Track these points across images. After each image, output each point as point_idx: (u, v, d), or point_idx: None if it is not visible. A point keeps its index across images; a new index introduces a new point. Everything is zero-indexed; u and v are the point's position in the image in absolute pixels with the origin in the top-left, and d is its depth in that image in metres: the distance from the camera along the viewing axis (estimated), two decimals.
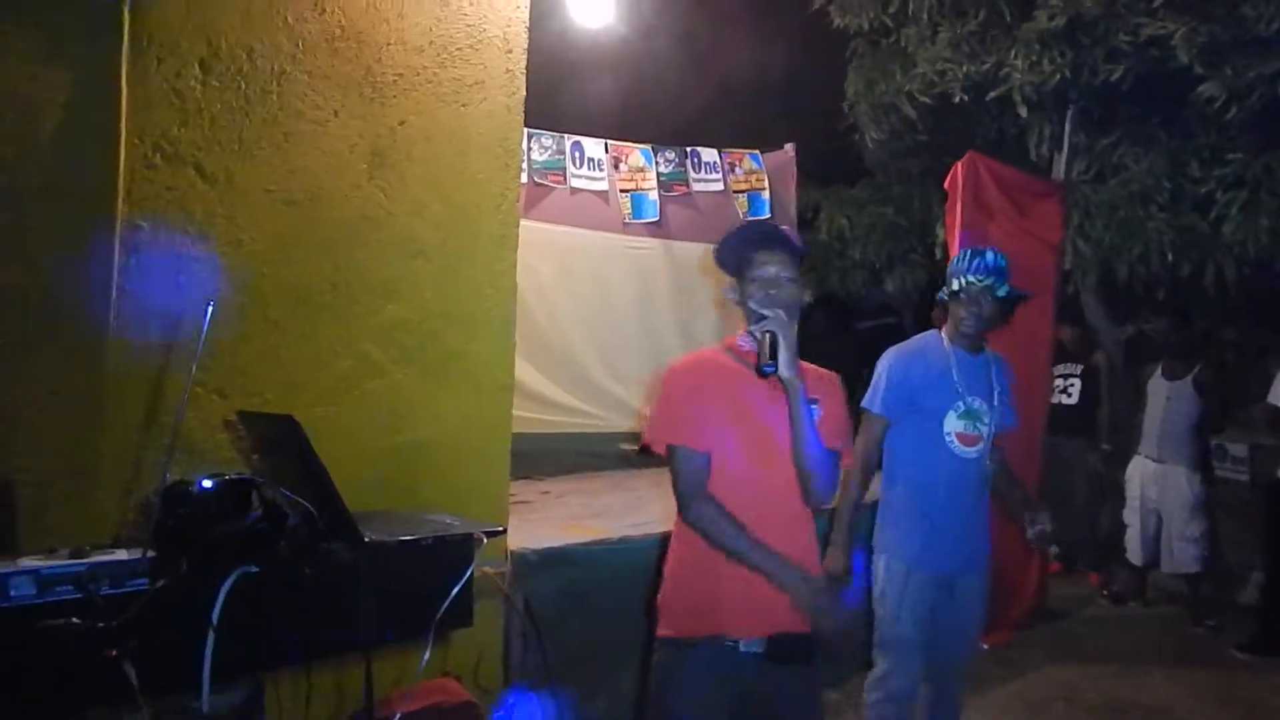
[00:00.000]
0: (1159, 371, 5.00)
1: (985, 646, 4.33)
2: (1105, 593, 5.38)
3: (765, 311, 1.81)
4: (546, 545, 3.09)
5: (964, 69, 5.41)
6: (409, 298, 2.72)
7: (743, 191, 5.48)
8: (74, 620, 1.21)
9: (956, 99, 5.55)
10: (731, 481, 1.86)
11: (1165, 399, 4.91)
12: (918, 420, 2.64)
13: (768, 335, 1.78)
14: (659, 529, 3.15)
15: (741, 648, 1.82)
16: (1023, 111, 5.32)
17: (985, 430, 2.63)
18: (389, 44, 2.68)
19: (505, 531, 1.68)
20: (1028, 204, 4.81)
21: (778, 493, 1.87)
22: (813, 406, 1.85)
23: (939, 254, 6.17)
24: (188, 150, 2.33)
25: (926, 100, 5.80)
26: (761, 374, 1.79)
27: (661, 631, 1.91)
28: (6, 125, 2.03)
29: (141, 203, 2.25)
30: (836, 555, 2.66)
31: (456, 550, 1.58)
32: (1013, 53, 5.15)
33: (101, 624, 1.23)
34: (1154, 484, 4.95)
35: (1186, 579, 4.95)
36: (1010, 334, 4.53)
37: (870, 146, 6.68)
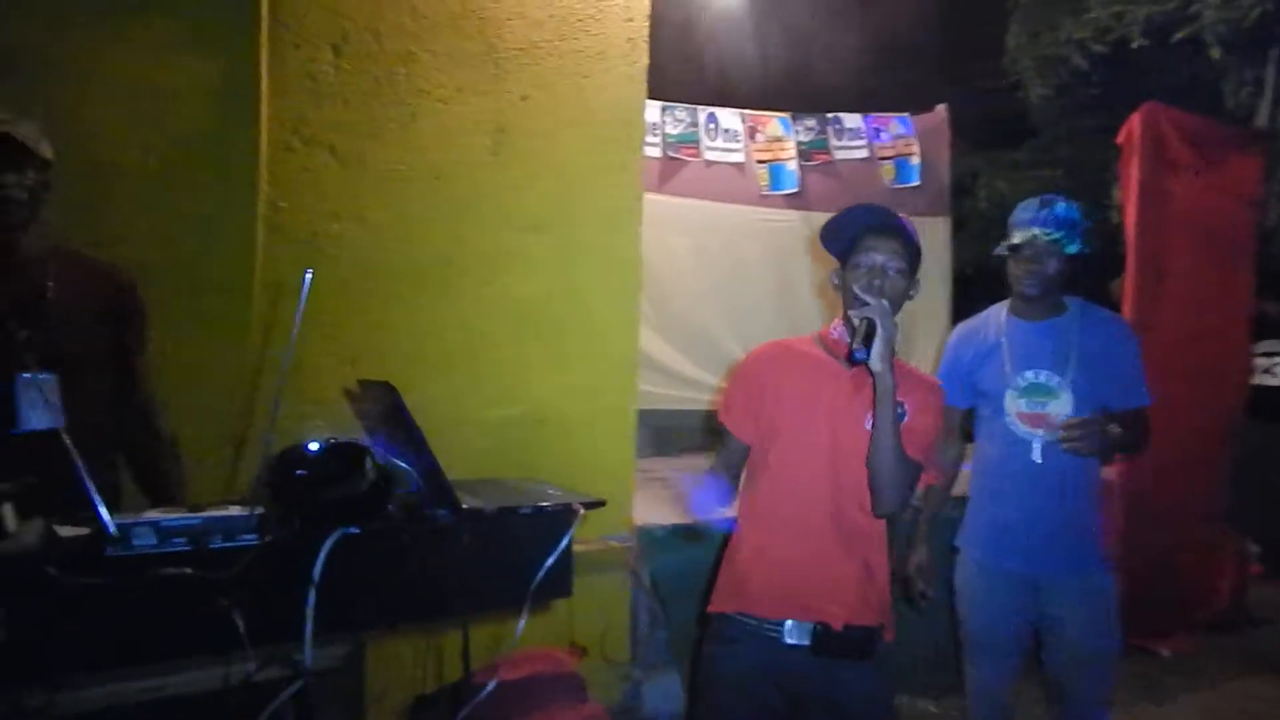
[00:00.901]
0: None
1: (1165, 654, 3.92)
2: None
3: (867, 298, 1.70)
4: (674, 521, 3.05)
5: (1145, 10, 4.85)
6: (527, 271, 2.74)
7: (889, 158, 5.19)
8: (188, 570, 1.27)
9: (1135, 44, 4.98)
10: (782, 474, 1.80)
11: None
12: (983, 403, 2.37)
13: (865, 321, 1.67)
14: None
15: (785, 639, 1.73)
16: (1215, 54, 4.70)
17: (1060, 408, 2.24)
18: (510, 19, 2.69)
19: (605, 503, 1.63)
20: (1220, 157, 4.25)
21: (836, 493, 1.77)
22: (900, 410, 1.73)
23: (1115, 218, 5.60)
24: (322, 132, 2.44)
25: (1100, 48, 5.26)
26: (851, 360, 1.68)
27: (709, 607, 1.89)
28: (155, 112, 2.19)
29: (280, 183, 2.38)
30: (919, 551, 2.43)
31: (554, 520, 1.56)
32: None
33: (213, 575, 1.29)
34: None
35: None
36: (1197, 304, 4.11)
37: (1035, 104, 6.15)
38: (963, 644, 2.43)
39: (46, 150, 1.79)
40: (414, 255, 2.55)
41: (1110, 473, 3.92)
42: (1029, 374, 2.27)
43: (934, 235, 5.22)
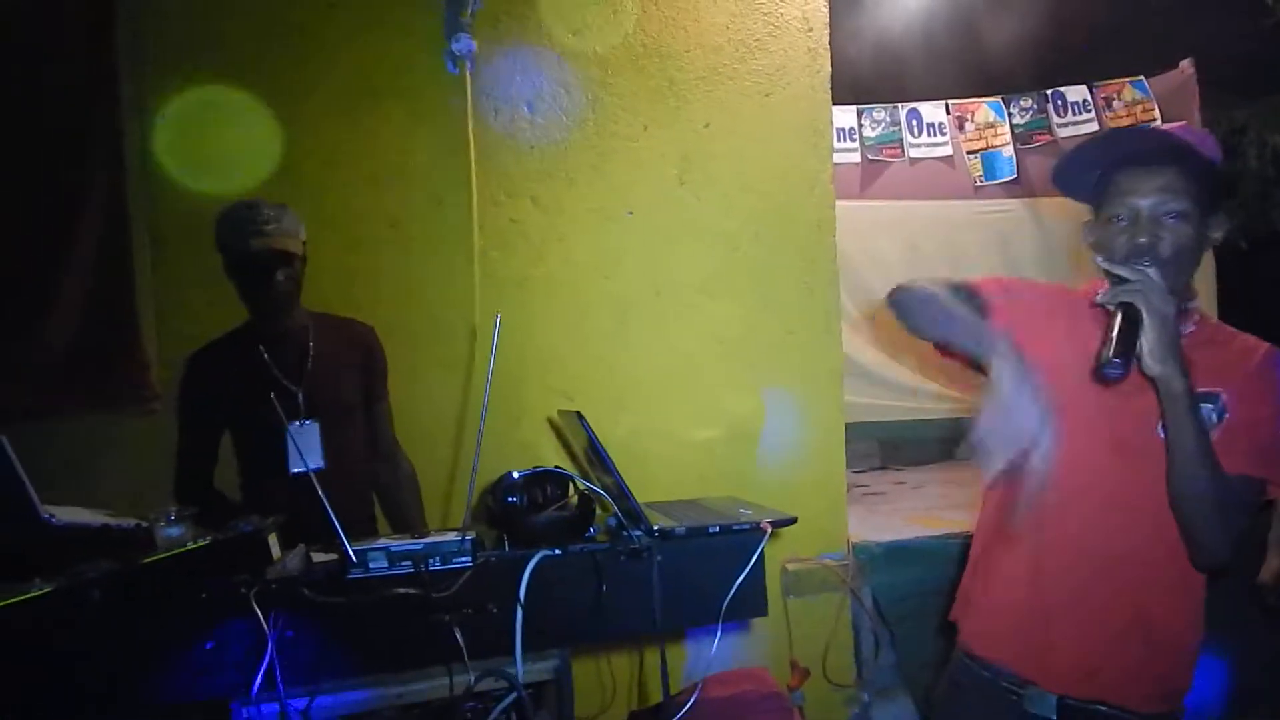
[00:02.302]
0: None
1: None
2: None
3: (1122, 271, 1.23)
4: (891, 538, 2.93)
5: None
6: (726, 294, 2.78)
7: (1125, 126, 4.66)
8: (412, 590, 1.43)
9: None
10: (1048, 478, 1.29)
11: None
12: None
13: (1120, 312, 1.20)
14: None
15: (1027, 706, 1.39)
16: None
17: None
18: (688, 50, 2.77)
19: (795, 520, 1.62)
20: None
21: (1123, 535, 1.31)
22: (1210, 406, 1.27)
23: None
24: (523, 184, 2.65)
25: None
26: (1101, 376, 1.22)
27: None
28: (389, 183, 2.49)
29: (491, 234, 2.61)
30: (1273, 560, 2.09)
31: (744, 539, 1.57)
32: None
33: (434, 594, 1.44)
34: None
35: None
36: None
37: None
38: None
39: (303, 237, 2.11)
40: (617, 289, 2.68)
41: None
42: None
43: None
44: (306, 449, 2.00)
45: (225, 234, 2.01)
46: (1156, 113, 4.68)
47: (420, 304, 2.54)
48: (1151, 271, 1.23)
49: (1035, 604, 1.38)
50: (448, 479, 2.40)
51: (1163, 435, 1.25)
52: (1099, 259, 1.31)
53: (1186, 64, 4.79)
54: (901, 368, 4.69)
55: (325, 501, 1.45)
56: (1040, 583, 1.38)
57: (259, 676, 1.36)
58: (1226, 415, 1.27)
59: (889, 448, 4.78)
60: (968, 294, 1.44)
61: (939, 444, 4.61)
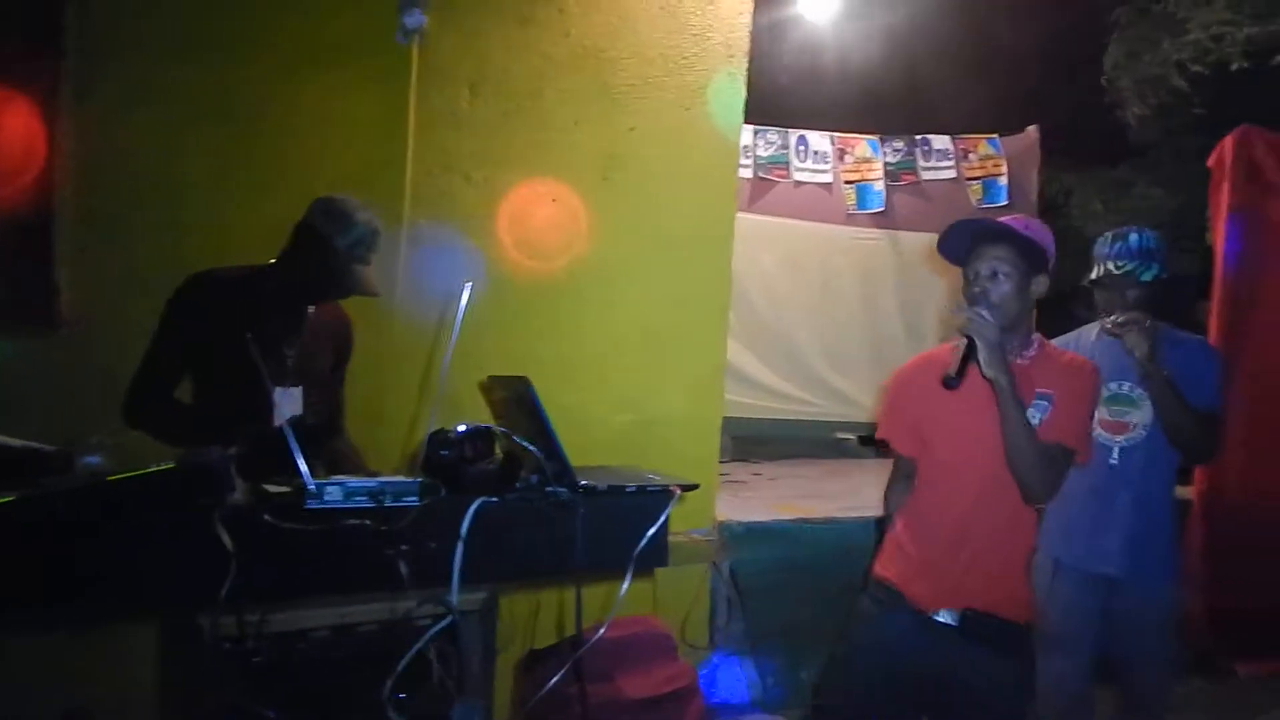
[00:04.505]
0: None
1: (1242, 675, 3.92)
2: None
3: (965, 314, 1.76)
4: (753, 519, 3.29)
5: (1244, 31, 4.82)
6: (641, 286, 3.03)
7: (977, 178, 5.30)
8: (367, 522, 1.60)
9: (1234, 66, 4.95)
10: (935, 481, 1.91)
11: None
12: None
13: (964, 340, 1.75)
14: (872, 513, 3.21)
15: (936, 619, 1.84)
16: None
17: (1140, 417, 2.40)
18: (625, 58, 3.00)
19: (699, 486, 1.89)
20: None
21: (985, 494, 1.84)
22: (1044, 402, 1.81)
23: (1209, 239, 5.53)
24: (458, 161, 2.79)
25: (1200, 69, 5.23)
26: (945, 384, 1.76)
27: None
28: (324, 147, 2.57)
29: (423, 206, 2.74)
30: None
31: (655, 499, 1.83)
32: None
33: (385, 527, 1.61)
34: None
35: None
36: None
37: (1133, 124, 6.11)
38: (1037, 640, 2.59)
39: None
40: (540, 271, 2.87)
41: (1190, 492, 3.97)
42: (1113, 385, 2.43)
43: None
44: (289, 412, 2.08)
45: (342, 232, 2.07)
46: (1005, 168, 5.33)
47: None
48: (985, 313, 1.75)
49: (943, 548, 1.86)
50: (363, 430, 2.52)
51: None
52: (954, 307, 1.83)
53: (1033, 129, 5.48)
54: (763, 369, 5.11)
55: (293, 442, 1.59)
56: (944, 533, 1.87)
57: (224, 591, 1.48)
58: (1054, 407, 1.81)
59: (742, 442, 5.17)
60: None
61: (792, 442, 5.06)
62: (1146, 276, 2.40)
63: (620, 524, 1.83)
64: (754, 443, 5.02)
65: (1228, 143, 4.04)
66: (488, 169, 2.81)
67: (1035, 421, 1.78)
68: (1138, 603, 2.40)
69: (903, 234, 5.23)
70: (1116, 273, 2.41)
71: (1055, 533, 2.47)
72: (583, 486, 1.81)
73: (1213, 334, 4.00)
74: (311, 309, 2.21)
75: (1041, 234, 1.87)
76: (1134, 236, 2.45)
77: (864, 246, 5.21)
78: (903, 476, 2.08)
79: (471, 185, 2.79)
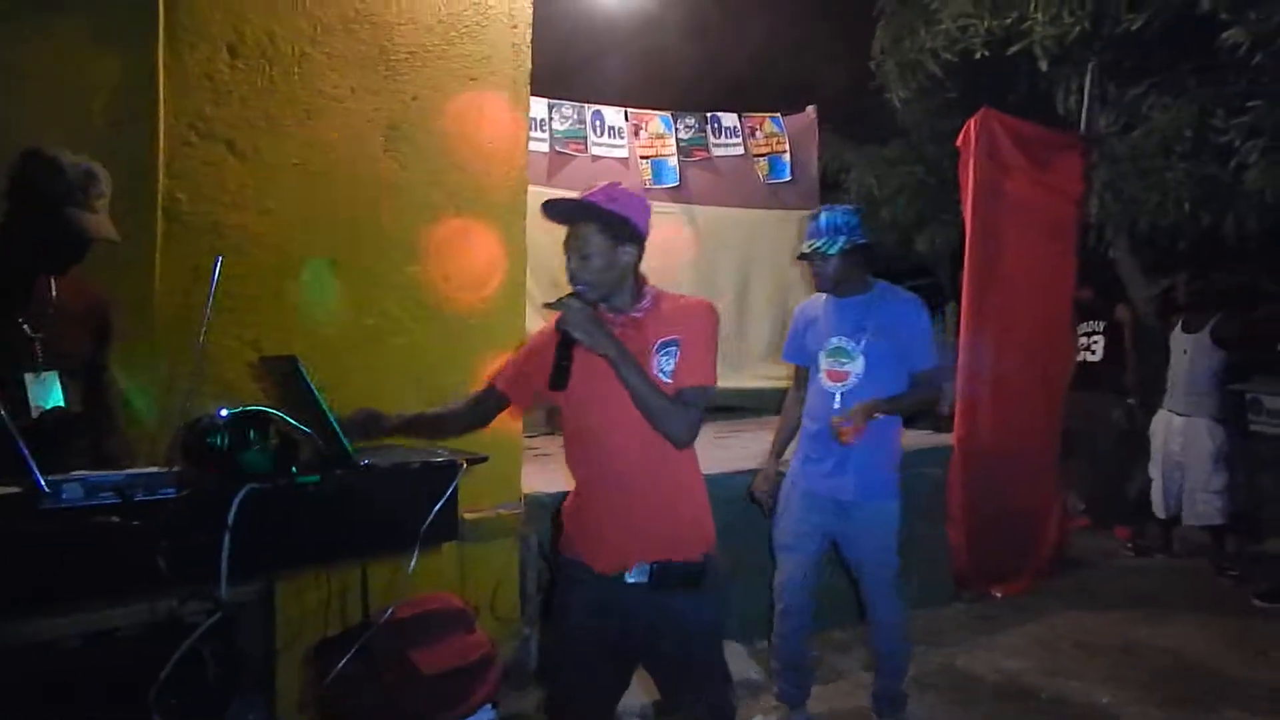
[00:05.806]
0: (1179, 325, 5.00)
1: (998, 595, 4.46)
2: (1130, 546, 5.42)
3: (553, 306, 1.80)
4: (560, 489, 3.32)
5: (985, 23, 5.39)
6: (427, 260, 2.96)
7: (763, 155, 5.58)
8: (115, 519, 1.47)
9: (978, 55, 5.53)
10: (587, 452, 1.94)
11: (1184, 352, 4.91)
12: (810, 362, 2.98)
13: (560, 335, 1.77)
14: None
15: (628, 579, 1.88)
16: (1043, 65, 5.28)
17: (856, 367, 2.82)
18: (400, 24, 2.89)
19: (488, 459, 1.89)
20: (1047, 158, 4.82)
21: (634, 453, 1.87)
22: (672, 348, 1.84)
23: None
24: (220, 128, 2.58)
25: (950, 57, 5.78)
26: (553, 387, 1.80)
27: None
28: (59, 107, 2.30)
29: (181, 177, 2.52)
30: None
31: (441, 474, 1.80)
32: (1032, 5, 5.12)
33: (137, 523, 1.48)
34: (1177, 437, 4.97)
35: (1210, 531, 4.96)
36: (1027, 289, 4.65)
37: (898, 106, 6.67)
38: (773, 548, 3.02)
39: None
40: (317, 244, 2.73)
41: (951, 438, 4.44)
42: (834, 339, 2.87)
43: (805, 225, 5.64)
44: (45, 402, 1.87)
45: (50, 179, 1.86)
46: (787, 145, 5.65)
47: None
48: (574, 301, 1.79)
49: (615, 515, 1.90)
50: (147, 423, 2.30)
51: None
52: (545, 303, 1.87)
53: (811, 109, 5.83)
54: None
55: (16, 436, 1.42)
56: (612, 499, 1.91)
57: None
58: (681, 350, 1.85)
59: (556, 415, 5.19)
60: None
61: None
62: (833, 250, 2.78)
63: (408, 501, 1.79)
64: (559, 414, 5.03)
65: (971, 124, 4.51)
66: (255, 137, 2.62)
67: (669, 368, 1.84)
68: (866, 521, 2.85)
69: (697, 208, 5.41)
70: (808, 250, 2.82)
71: (797, 463, 2.99)
72: (365, 465, 1.75)
73: (964, 296, 4.48)
74: (54, 281, 2.00)
75: (628, 204, 1.89)
76: (824, 215, 2.86)
77: (660, 219, 5.29)
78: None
79: (235, 154, 2.59)
